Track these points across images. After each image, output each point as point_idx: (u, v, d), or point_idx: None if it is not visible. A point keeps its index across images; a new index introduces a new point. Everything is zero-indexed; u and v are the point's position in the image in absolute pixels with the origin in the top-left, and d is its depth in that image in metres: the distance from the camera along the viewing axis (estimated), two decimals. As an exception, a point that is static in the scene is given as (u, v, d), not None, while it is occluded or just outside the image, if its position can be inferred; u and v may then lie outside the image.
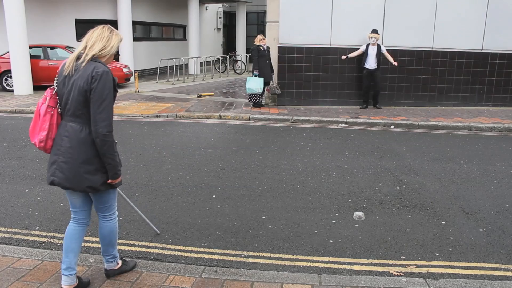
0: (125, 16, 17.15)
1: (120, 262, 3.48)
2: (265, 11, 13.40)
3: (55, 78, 3.03)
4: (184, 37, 23.80)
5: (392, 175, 6.30)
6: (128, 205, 5.00)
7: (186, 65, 20.56)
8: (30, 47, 13.95)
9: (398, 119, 10.32)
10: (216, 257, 3.89)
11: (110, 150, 2.93)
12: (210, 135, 8.79)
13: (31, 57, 13.96)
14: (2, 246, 3.96)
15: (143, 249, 4.00)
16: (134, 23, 18.22)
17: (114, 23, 17.39)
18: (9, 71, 14.10)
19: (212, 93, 14.41)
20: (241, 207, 5.01)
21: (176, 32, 23.60)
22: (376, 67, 11.23)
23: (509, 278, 3.60)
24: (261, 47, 11.25)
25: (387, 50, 11.34)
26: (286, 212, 4.91)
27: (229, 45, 31.51)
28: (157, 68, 18.08)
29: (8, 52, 13.74)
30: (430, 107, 12.01)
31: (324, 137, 8.71)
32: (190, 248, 4.04)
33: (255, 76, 11.22)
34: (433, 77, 11.99)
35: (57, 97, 3.01)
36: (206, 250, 4.02)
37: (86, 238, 4.16)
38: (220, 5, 28.23)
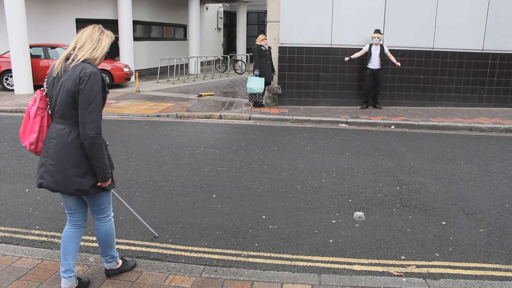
0: (126, 16, 17.15)
1: (120, 261, 3.47)
2: (266, 11, 13.39)
3: (45, 80, 2.98)
4: (185, 37, 23.80)
5: (392, 175, 6.30)
6: (128, 204, 5.00)
7: (187, 64, 20.57)
8: (31, 47, 13.96)
9: (399, 119, 10.32)
10: (216, 256, 3.89)
11: (99, 153, 2.88)
12: (211, 135, 8.79)
13: (32, 56, 13.96)
14: (3, 245, 3.96)
15: (143, 249, 4.00)
16: (135, 22, 18.22)
17: (114, 23, 17.41)
18: (9, 71, 14.10)
19: (213, 93, 14.41)
20: (241, 207, 5.02)
21: (176, 31, 23.60)
22: (379, 67, 11.25)
23: (509, 278, 3.60)
24: (262, 47, 11.25)
25: (388, 50, 11.34)
26: (286, 212, 4.91)
27: (229, 45, 31.53)
28: (158, 67, 18.08)
29: (8, 51, 13.74)
30: (430, 107, 12.01)
31: (324, 137, 8.71)
32: (190, 248, 4.04)
33: (256, 76, 11.22)
34: (434, 77, 11.98)
35: (48, 99, 2.96)
36: (206, 249, 4.02)
37: (86, 237, 4.17)
38: (220, 4, 28.23)
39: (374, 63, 11.23)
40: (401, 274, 3.63)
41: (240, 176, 6.11)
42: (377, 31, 11.20)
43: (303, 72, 11.80)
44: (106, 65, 15.36)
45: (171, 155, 7.11)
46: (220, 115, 10.61)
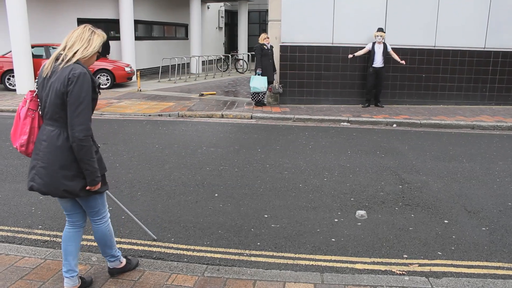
0: (127, 15, 17.15)
1: (124, 260, 3.45)
2: (267, 10, 13.37)
3: (35, 81, 2.93)
4: (186, 36, 23.80)
5: (395, 173, 6.30)
6: (130, 203, 5.01)
7: (188, 64, 20.57)
8: (32, 46, 13.98)
9: (401, 117, 10.31)
10: (219, 255, 3.89)
11: (87, 156, 2.81)
12: (212, 134, 8.79)
13: (33, 56, 13.98)
14: (5, 245, 3.97)
15: (146, 248, 4.00)
16: (136, 22, 18.22)
17: (116, 22, 17.44)
18: (11, 71, 14.12)
19: (214, 92, 14.41)
20: (243, 206, 5.02)
21: (178, 31, 23.60)
22: (382, 65, 11.24)
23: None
24: (264, 46, 11.24)
25: (391, 48, 11.33)
26: (288, 210, 4.91)
27: (231, 44, 31.51)
28: (159, 67, 18.08)
29: (10, 51, 13.76)
30: (432, 106, 11.99)
31: (326, 136, 8.70)
32: (192, 247, 4.04)
33: (258, 75, 11.22)
34: (436, 76, 11.97)
35: (38, 100, 2.91)
36: (209, 248, 4.02)
37: (88, 237, 4.18)
38: (222, 4, 28.22)
39: (377, 61, 11.23)
40: (403, 272, 3.63)
41: (242, 175, 6.11)
42: (380, 29, 11.19)
43: (305, 71, 11.79)
44: (108, 65, 15.39)
45: (173, 155, 7.11)
46: (222, 114, 10.61)
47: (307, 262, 3.79)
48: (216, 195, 5.36)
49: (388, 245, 4.14)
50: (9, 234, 4.27)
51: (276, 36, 11.77)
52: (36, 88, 2.91)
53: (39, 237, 4.21)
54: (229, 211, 4.87)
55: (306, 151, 7.46)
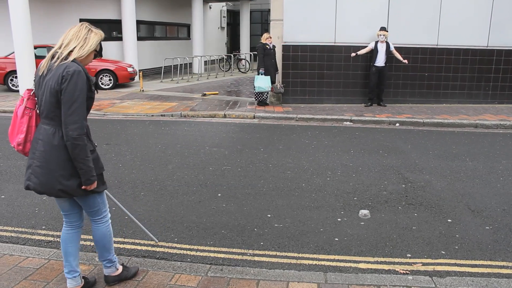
0: (129, 16, 17.19)
1: (120, 267, 3.35)
2: (269, 9, 13.37)
3: (33, 79, 2.92)
4: (188, 36, 23.81)
5: (398, 173, 6.29)
6: (133, 203, 5.02)
7: (190, 64, 20.58)
8: (35, 47, 14.00)
9: (403, 116, 10.29)
10: (222, 255, 3.89)
11: (82, 154, 2.76)
12: (215, 134, 8.79)
13: (36, 57, 14.00)
14: (9, 245, 3.99)
15: (149, 248, 4.00)
16: (138, 22, 18.24)
17: (118, 23, 17.47)
18: (14, 72, 14.16)
19: (217, 92, 14.41)
20: (246, 206, 5.02)
21: (180, 31, 23.62)
22: (385, 64, 11.23)
23: (516, 275, 3.59)
24: (267, 46, 11.24)
25: (394, 47, 11.31)
26: (291, 210, 4.91)
27: (233, 44, 31.51)
28: (162, 67, 18.10)
29: (13, 52, 13.79)
30: (435, 105, 11.96)
31: (329, 135, 8.70)
32: (195, 247, 4.04)
33: (261, 74, 11.22)
34: (438, 75, 11.94)
35: (36, 98, 2.88)
36: (212, 248, 4.02)
37: (91, 237, 4.18)
38: (224, 3, 28.22)
39: (380, 60, 11.21)
40: (407, 272, 3.62)
41: (245, 175, 6.11)
42: (383, 28, 11.18)
43: (307, 70, 11.78)
44: (110, 65, 15.42)
45: (176, 155, 7.12)
46: (225, 114, 10.61)
47: (310, 262, 3.79)
48: (219, 195, 5.36)
49: (392, 244, 4.13)
50: (13, 234, 4.28)
51: (278, 36, 11.77)
52: (34, 87, 2.90)
53: (43, 238, 4.22)
54: (232, 211, 4.87)
55: (309, 151, 7.45)
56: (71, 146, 2.73)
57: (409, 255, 3.92)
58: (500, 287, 3.37)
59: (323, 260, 3.83)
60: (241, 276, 3.46)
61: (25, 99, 2.89)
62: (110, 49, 17.51)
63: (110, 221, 3.21)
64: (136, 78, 16.47)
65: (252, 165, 6.60)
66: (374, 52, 11.26)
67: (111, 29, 18.19)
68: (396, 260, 3.85)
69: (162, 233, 4.31)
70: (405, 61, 11.30)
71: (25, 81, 13.63)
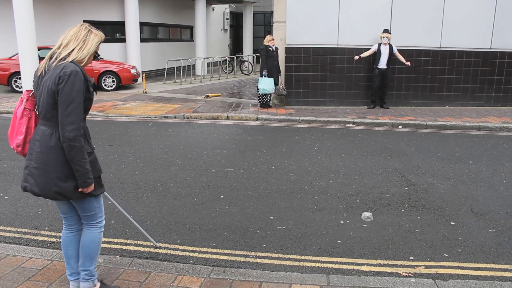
0: (133, 17, 17.23)
1: (98, 284, 3.15)
2: (272, 11, 13.40)
3: (33, 80, 2.89)
4: (191, 38, 23.86)
5: (400, 175, 6.28)
6: (136, 205, 5.03)
7: (193, 65, 20.61)
8: (39, 49, 14.04)
9: (406, 119, 10.28)
10: (224, 257, 3.89)
11: (78, 156, 2.70)
12: (218, 136, 8.80)
13: (40, 58, 14.03)
14: (13, 246, 3.99)
15: (152, 249, 4.01)
16: (142, 24, 18.29)
17: (121, 25, 17.51)
18: (18, 73, 14.20)
19: (220, 94, 14.43)
20: (249, 208, 5.02)
21: (183, 33, 23.66)
22: (387, 66, 11.23)
23: (519, 279, 3.58)
24: (269, 48, 11.26)
25: (397, 50, 11.31)
26: (294, 212, 4.91)
27: (236, 46, 31.55)
28: (165, 69, 18.13)
29: (17, 53, 13.84)
30: (438, 107, 11.95)
31: (331, 138, 8.69)
32: (198, 249, 4.04)
33: (264, 76, 11.23)
34: (441, 77, 11.93)
35: (35, 99, 2.85)
36: (214, 250, 4.02)
37: (95, 238, 4.19)
38: (227, 5, 28.27)
39: (383, 62, 11.21)
40: (410, 274, 3.62)
41: (248, 177, 6.11)
42: (386, 30, 11.18)
43: (310, 73, 11.79)
44: (114, 67, 15.45)
45: (178, 156, 7.13)
46: (227, 116, 10.62)
47: (313, 264, 3.79)
48: (222, 197, 5.36)
49: (394, 247, 4.13)
50: (16, 235, 4.29)
51: (281, 38, 11.78)
52: (33, 87, 2.87)
53: (46, 238, 4.23)
54: (234, 213, 4.87)
55: (312, 153, 7.45)
56: (68, 147, 2.68)
57: (412, 258, 3.92)
58: (503, 290, 3.37)
59: (326, 262, 3.83)
60: (244, 278, 3.46)
61: (24, 100, 2.87)
62: (114, 50, 17.55)
63: (103, 229, 3.12)
64: (139, 79, 16.50)
65: (255, 167, 6.60)
66: (377, 55, 11.26)
67: (115, 30, 18.24)
68: (399, 262, 3.84)
69: (164, 234, 4.32)
70: (408, 63, 11.30)
71: (29, 82, 13.67)
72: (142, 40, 18.43)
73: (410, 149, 7.77)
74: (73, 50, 2.77)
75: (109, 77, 15.32)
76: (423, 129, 9.71)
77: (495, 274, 3.65)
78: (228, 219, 4.71)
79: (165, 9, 21.28)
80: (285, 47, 11.71)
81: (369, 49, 11.41)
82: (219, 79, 19.65)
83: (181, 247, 4.07)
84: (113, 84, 15.35)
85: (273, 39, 11.43)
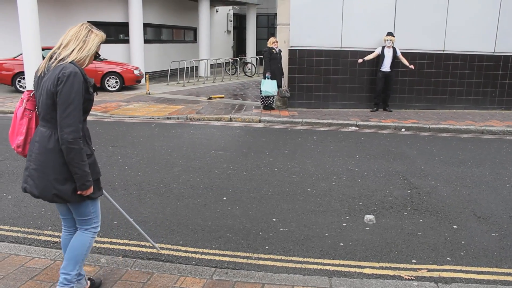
0: (136, 19, 17.29)
1: None
2: (276, 13, 13.41)
3: (33, 80, 2.86)
4: (195, 40, 23.90)
5: (403, 178, 6.27)
6: (139, 206, 5.04)
7: (197, 67, 20.63)
8: (43, 49, 14.09)
9: (409, 122, 10.27)
10: (227, 259, 3.90)
11: (77, 159, 2.66)
12: (221, 137, 8.81)
13: (44, 58, 14.09)
14: (16, 245, 4.01)
15: (154, 250, 4.01)
16: (145, 25, 18.33)
17: (125, 26, 17.56)
18: (22, 73, 14.27)
19: (223, 96, 14.45)
20: (252, 210, 5.02)
21: (186, 34, 23.71)
22: (390, 69, 11.22)
23: (522, 283, 3.57)
24: (273, 50, 11.27)
25: (400, 53, 11.31)
26: (296, 214, 4.91)
27: (239, 48, 31.60)
28: (168, 70, 18.16)
29: (21, 54, 13.90)
30: (441, 110, 11.94)
31: (334, 140, 8.69)
32: (200, 250, 4.05)
33: (267, 78, 11.24)
34: (445, 80, 11.92)
35: (35, 99, 2.82)
36: (217, 252, 4.03)
37: (97, 238, 4.20)
38: (230, 7, 28.32)
39: (386, 65, 11.21)
40: (412, 278, 3.61)
41: (251, 179, 6.12)
42: (390, 33, 11.18)
43: (313, 75, 11.79)
44: (117, 68, 15.49)
45: (181, 157, 7.14)
46: (230, 118, 10.63)
47: (315, 266, 3.79)
48: (225, 198, 5.37)
49: (397, 250, 4.12)
50: (19, 235, 4.30)
51: (285, 40, 11.80)
52: (33, 88, 2.85)
53: (49, 238, 4.24)
54: (237, 215, 4.87)
55: (315, 155, 7.45)
56: (66, 149, 2.64)
57: (414, 261, 3.91)
58: (506, 294, 3.36)
59: (328, 264, 3.83)
60: (246, 280, 3.46)
61: (24, 100, 2.84)
62: (117, 51, 17.61)
63: (94, 238, 3.06)
64: (143, 80, 16.54)
65: (257, 169, 6.60)
66: (380, 57, 11.26)
67: (118, 31, 18.29)
68: (401, 265, 3.84)
69: (167, 235, 4.33)
70: (411, 66, 11.29)
71: (33, 82, 13.74)
72: (146, 41, 18.47)
73: (413, 152, 7.77)
74: (73, 50, 2.73)
75: (113, 77, 15.36)
76: (426, 132, 9.70)
77: (498, 278, 3.64)
78: (231, 220, 4.72)
79: (169, 10, 21.33)
80: (289, 49, 11.72)
81: (372, 52, 11.41)
82: (222, 80, 19.68)
83: (183, 248, 4.07)
84: (117, 85, 15.38)
85: (277, 41, 11.44)
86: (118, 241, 4.20)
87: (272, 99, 11.55)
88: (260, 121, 10.45)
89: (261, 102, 11.72)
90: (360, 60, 11.41)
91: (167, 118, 10.71)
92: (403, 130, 9.85)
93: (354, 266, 3.81)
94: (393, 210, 5.09)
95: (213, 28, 24.56)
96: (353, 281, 3.50)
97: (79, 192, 2.76)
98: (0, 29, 16.84)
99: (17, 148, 2.89)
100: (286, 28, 11.79)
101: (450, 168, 6.83)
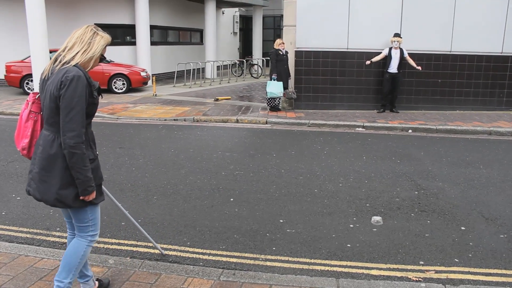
0: (143, 21, 17.36)
1: None
2: (282, 15, 13.43)
3: (39, 82, 2.82)
4: (201, 41, 23.96)
5: (410, 179, 6.26)
6: (146, 207, 5.07)
7: (203, 69, 20.69)
8: (51, 51, 14.18)
9: (416, 123, 10.24)
10: (234, 260, 3.91)
11: (79, 164, 2.62)
12: (228, 139, 8.83)
13: (51, 61, 14.18)
14: (25, 246, 4.04)
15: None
16: (152, 27, 18.41)
17: (132, 28, 17.64)
18: (30, 75, 14.37)
19: (229, 97, 14.47)
20: (259, 211, 5.03)
21: (193, 36, 23.77)
22: (398, 71, 11.20)
23: (530, 285, 3.55)
24: (279, 51, 11.29)
25: (407, 54, 11.28)
26: (303, 216, 4.91)
27: (245, 49, 31.62)
28: (174, 72, 18.22)
29: (29, 56, 14.00)
30: (448, 111, 11.88)
31: (341, 141, 8.68)
32: (208, 251, 4.06)
33: (274, 80, 11.26)
34: (452, 81, 11.87)
35: (41, 102, 2.79)
36: (224, 253, 4.04)
37: (105, 239, 4.23)
38: (236, 9, 28.36)
39: (394, 67, 11.19)
40: (419, 279, 3.60)
41: (258, 180, 6.13)
42: (397, 34, 11.15)
43: (320, 76, 11.79)
44: (124, 70, 15.56)
45: (188, 159, 7.16)
46: (237, 119, 10.65)
47: (322, 268, 3.79)
48: (232, 199, 5.38)
49: (404, 251, 4.11)
50: (28, 235, 4.34)
51: (291, 41, 11.80)
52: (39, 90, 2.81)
53: (57, 239, 4.27)
54: (244, 216, 4.88)
55: (321, 157, 7.45)
56: (68, 154, 2.61)
57: (422, 263, 3.90)
58: (514, 296, 3.35)
59: (335, 266, 3.83)
60: (254, 281, 3.47)
61: (30, 102, 2.82)
62: (124, 53, 17.70)
63: (90, 247, 2.97)
64: (149, 82, 16.60)
65: (264, 170, 6.61)
66: (387, 59, 11.24)
67: (125, 33, 18.38)
68: (409, 267, 3.83)
69: (175, 236, 4.35)
70: (419, 67, 11.25)
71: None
72: (152, 43, 18.54)
73: (420, 154, 7.74)
74: (77, 53, 2.69)
75: (120, 79, 15.42)
76: (433, 134, 9.66)
77: (507, 280, 3.62)
78: (238, 222, 4.73)
79: (175, 12, 21.40)
80: (295, 51, 11.72)
81: (379, 53, 11.38)
82: (228, 82, 19.71)
83: (191, 249, 4.09)
84: (123, 87, 15.45)
85: (283, 43, 11.46)
86: (126, 242, 4.23)
87: (278, 101, 11.56)
88: (266, 123, 10.46)
89: (267, 103, 11.73)
90: (368, 62, 11.39)
91: (174, 119, 10.74)
92: (410, 131, 9.82)
93: (362, 268, 3.81)
94: (400, 211, 5.08)
95: (219, 30, 24.61)
96: (360, 283, 3.50)
97: (81, 197, 2.73)
98: (8, 31, 16.98)
99: (22, 151, 2.87)
100: (292, 29, 11.80)
101: (458, 169, 6.81)
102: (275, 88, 11.21)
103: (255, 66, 22.84)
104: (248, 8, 28.32)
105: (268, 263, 3.85)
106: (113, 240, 4.24)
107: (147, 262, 3.77)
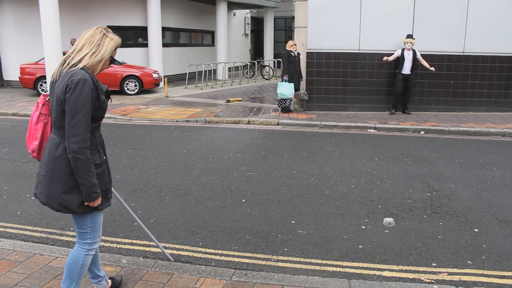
0: (155, 22, 17.48)
1: None
2: (293, 16, 13.44)
3: (49, 85, 2.80)
4: (213, 43, 24.04)
5: (423, 181, 6.22)
6: (159, 208, 5.10)
7: (215, 70, 20.76)
8: (64, 53, 14.33)
9: (428, 124, 10.17)
10: (246, 260, 3.92)
11: (83, 169, 2.56)
12: (239, 140, 8.85)
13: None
14: (40, 245, 4.09)
15: (174, 252, 4.06)
16: (164, 29, 18.53)
17: (144, 30, 17.77)
18: (44, 77, 14.54)
19: (241, 99, 14.50)
20: (271, 212, 5.04)
21: (204, 37, 23.87)
22: (410, 72, 11.14)
23: (545, 287, 3.52)
24: (291, 53, 11.30)
25: (420, 55, 11.22)
26: (315, 217, 4.91)
27: (257, 51, 31.66)
28: (186, 73, 18.31)
29: (43, 58, 14.17)
30: (461, 113, 11.79)
31: (353, 143, 8.66)
32: (220, 251, 4.08)
33: (285, 81, 11.27)
34: (464, 82, 11.77)
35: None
36: (236, 253, 4.05)
37: (118, 239, 4.28)
38: (248, 10, 28.42)
39: (406, 68, 11.12)
40: (432, 281, 3.59)
41: (269, 181, 6.14)
42: (410, 36, 11.09)
43: (331, 78, 11.77)
44: (136, 71, 15.67)
45: (200, 160, 7.20)
46: (249, 121, 10.67)
47: (334, 269, 3.79)
48: (243, 200, 5.40)
49: (416, 253, 4.10)
50: (42, 235, 4.40)
51: (303, 43, 11.80)
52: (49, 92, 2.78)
53: (71, 239, 4.32)
54: (256, 217, 4.90)
55: (333, 158, 7.44)
56: (72, 159, 2.55)
57: (434, 264, 3.88)
58: (528, 298, 3.32)
59: (347, 267, 3.83)
60: (266, 281, 3.48)
61: (40, 105, 2.79)
62: (136, 55, 17.84)
63: (90, 255, 2.91)
64: (161, 84, 16.71)
65: (276, 171, 6.62)
66: (400, 60, 11.18)
67: (137, 35, 18.52)
68: (421, 269, 3.81)
69: (187, 237, 4.37)
70: (432, 68, 11.16)
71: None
72: (164, 44, 18.66)
73: (432, 155, 7.69)
74: (85, 55, 2.63)
75: (132, 81, 15.54)
76: (446, 135, 9.60)
77: (520, 282, 3.59)
78: (250, 222, 4.75)
79: (187, 14, 21.51)
80: (307, 52, 11.72)
81: (392, 54, 11.33)
82: (240, 83, 19.75)
83: (203, 250, 4.12)
84: (136, 88, 15.56)
85: (295, 44, 11.46)
86: (139, 242, 4.26)
87: (290, 102, 11.56)
88: (278, 124, 10.46)
89: (278, 105, 11.74)
90: (385, 58, 11.31)
91: (186, 121, 10.80)
92: (422, 132, 9.77)
93: (373, 269, 3.80)
94: (412, 213, 5.06)
95: (230, 32, 24.68)
96: (372, 284, 3.49)
97: (86, 203, 2.67)
98: (22, 33, 17.23)
99: (32, 153, 2.85)
100: (303, 31, 11.80)
101: (471, 171, 6.75)
102: (285, 89, 11.22)
103: (267, 68, 22.86)
104: (259, 9, 28.37)
105: (280, 264, 3.87)
106: (126, 240, 4.28)
107: (160, 262, 3.80)
